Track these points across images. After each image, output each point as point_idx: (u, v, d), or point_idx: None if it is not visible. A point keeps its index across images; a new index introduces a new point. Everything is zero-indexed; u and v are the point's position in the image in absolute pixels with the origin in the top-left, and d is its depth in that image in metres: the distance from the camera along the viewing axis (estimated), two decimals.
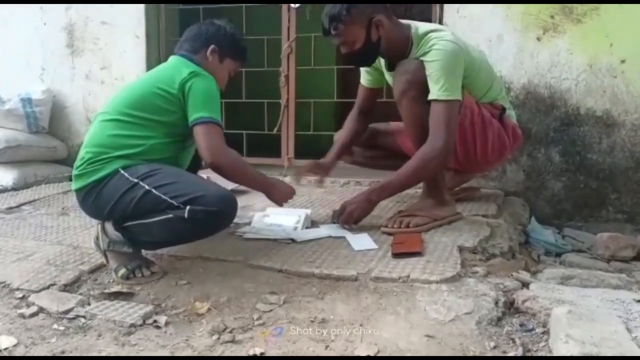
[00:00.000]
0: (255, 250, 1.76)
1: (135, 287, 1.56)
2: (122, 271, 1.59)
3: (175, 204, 1.52)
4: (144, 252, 1.69)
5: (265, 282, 1.55)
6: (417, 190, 2.55)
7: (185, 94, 1.66)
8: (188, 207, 1.51)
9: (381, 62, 2.11)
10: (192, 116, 1.65)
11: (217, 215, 1.53)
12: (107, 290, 1.53)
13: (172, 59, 1.80)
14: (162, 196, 1.54)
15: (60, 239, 1.97)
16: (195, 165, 1.91)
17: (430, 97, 1.83)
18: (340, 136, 2.29)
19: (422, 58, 1.85)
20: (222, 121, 1.73)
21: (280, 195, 1.86)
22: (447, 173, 2.21)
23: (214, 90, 1.70)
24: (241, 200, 2.50)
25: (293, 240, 1.84)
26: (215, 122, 1.66)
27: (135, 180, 1.57)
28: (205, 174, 1.96)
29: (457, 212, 2.05)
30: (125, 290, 1.54)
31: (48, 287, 1.55)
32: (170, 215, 1.53)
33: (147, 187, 1.55)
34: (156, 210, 1.54)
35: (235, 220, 2.09)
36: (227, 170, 1.67)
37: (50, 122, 3.51)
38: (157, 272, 1.61)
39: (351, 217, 1.95)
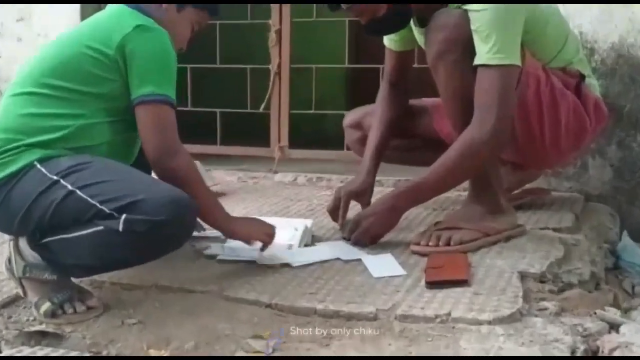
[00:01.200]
0: (233, 277, 1.76)
1: (65, 327, 1.56)
2: (46, 306, 1.59)
3: (107, 210, 1.52)
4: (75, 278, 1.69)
5: (247, 321, 1.54)
6: (461, 192, 2.56)
7: (126, 57, 1.66)
8: (124, 216, 1.50)
9: None
10: (135, 91, 1.65)
11: (165, 228, 1.52)
12: (26, 330, 1.53)
13: (112, 7, 1.80)
14: (90, 200, 1.54)
15: None
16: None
17: (477, 61, 1.83)
18: (372, 132, 2.26)
19: (466, 7, 1.85)
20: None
21: (251, 232, 1.81)
22: (503, 168, 2.21)
23: (168, 53, 1.70)
24: None
25: (287, 264, 1.84)
26: (166, 102, 1.66)
27: (55, 178, 1.57)
28: None
29: (517, 224, 2.05)
30: (51, 330, 1.54)
31: None
32: (100, 228, 1.53)
33: (70, 186, 1.55)
34: (82, 220, 1.55)
35: (205, 234, 2.10)
36: (179, 175, 1.65)
37: None
38: (95, 307, 1.61)
39: (367, 233, 1.96)
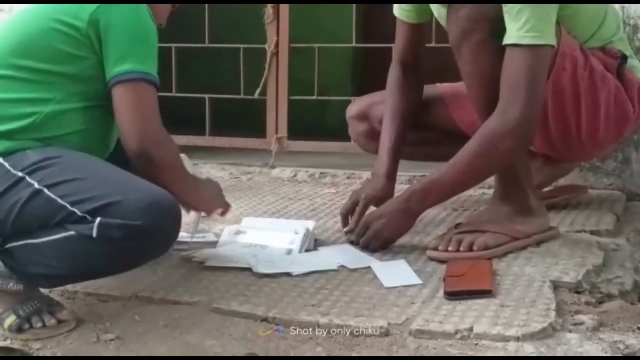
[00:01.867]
0: (223, 287, 1.76)
1: (33, 343, 1.56)
2: (11, 320, 1.59)
3: (79, 213, 1.52)
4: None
5: (240, 337, 1.55)
6: (486, 190, 2.56)
7: (100, 31, 1.65)
8: (98, 220, 1.50)
9: None
10: (111, 70, 1.65)
11: (144, 234, 1.52)
12: None
13: None
14: (59, 200, 1.53)
15: None
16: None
17: (507, 40, 1.83)
18: (386, 126, 2.26)
19: None
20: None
21: (206, 204, 1.88)
22: (534, 162, 2.21)
23: (148, 26, 1.70)
24: None
25: (286, 272, 1.84)
26: (148, 80, 1.66)
27: (20, 174, 1.57)
28: None
29: (550, 226, 2.05)
30: (17, 346, 1.54)
31: None
32: (71, 233, 1.53)
33: (36, 185, 1.56)
34: (50, 224, 1.55)
35: (193, 238, 2.11)
36: (159, 167, 1.67)
37: None
38: (66, 321, 1.62)
39: (379, 237, 1.96)
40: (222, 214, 1.92)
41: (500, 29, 1.83)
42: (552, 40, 1.84)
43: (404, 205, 1.96)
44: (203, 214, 1.93)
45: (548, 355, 1.42)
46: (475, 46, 1.87)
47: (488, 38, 1.85)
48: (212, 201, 1.90)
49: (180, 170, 1.78)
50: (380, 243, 1.96)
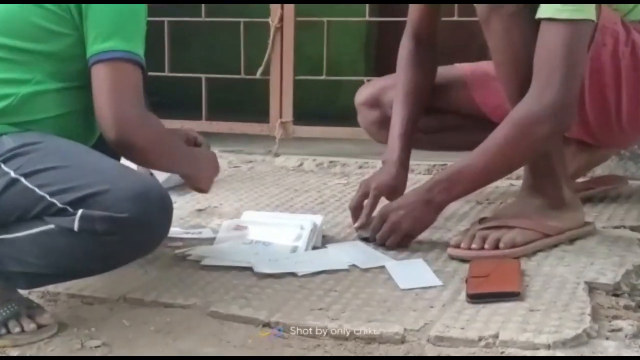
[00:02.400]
0: (222, 289, 1.77)
1: (10, 350, 1.57)
2: None
3: (59, 204, 1.52)
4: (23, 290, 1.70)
5: (239, 344, 1.56)
6: (514, 181, 2.56)
7: (81, 4, 1.66)
8: (80, 212, 1.51)
9: None
10: (91, 47, 1.65)
11: (131, 227, 1.52)
12: None
13: None
14: (38, 190, 1.54)
15: None
16: None
17: (542, 13, 1.82)
18: (398, 108, 2.25)
19: None
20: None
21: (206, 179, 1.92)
22: (567, 149, 2.20)
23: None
24: (198, 199, 2.54)
25: (291, 272, 1.85)
26: (130, 59, 1.66)
27: None
28: None
29: (585, 221, 2.06)
30: None
31: None
32: (51, 226, 1.54)
33: (12, 173, 1.56)
34: (28, 217, 1.56)
35: (188, 234, 2.11)
36: (142, 153, 1.68)
37: None
38: (48, 326, 1.62)
39: (398, 231, 1.96)
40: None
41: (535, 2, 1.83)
42: (593, 15, 1.83)
43: (426, 196, 1.95)
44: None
45: None
46: (506, 18, 1.86)
47: (521, 9, 1.85)
48: (210, 172, 1.94)
49: (169, 155, 1.77)
50: (399, 238, 1.96)
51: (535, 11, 1.83)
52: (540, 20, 1.83)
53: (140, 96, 1.68)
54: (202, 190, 1.95)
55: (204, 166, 1.90)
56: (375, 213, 2.07)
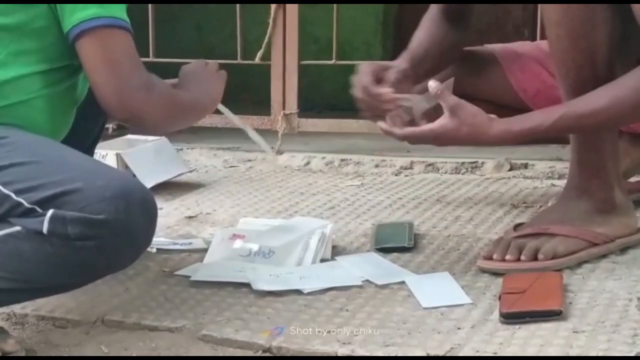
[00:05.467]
0: (215, 308, 1.77)
1: None
2: None
3: (27, 204, 1.53)
4: None
5: None
6: (555, 181, 2.56)
7: None
8: (50, 212, 1.51)
9: None
10: (69, 18, 1.66)
11: (108, 231, 1.53)
12: None
13: None
14: (2, 188, 1.55)
15: None
16: (89, 132, 1.94)
17: None
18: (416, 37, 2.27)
19: None
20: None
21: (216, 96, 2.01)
22: (619, 143, 2.19)
23: None
24: (187, 204, 2.55)
25: (295, 289, 1.85)
26: (117, 25, 1.68)
27: None
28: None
29: (638, 227, 2.06)
30: None
31: None
32: (17, 229, 1.54)
33: None
34: None
35: (176, 245, 2.12)
36: (155, 123, 1.76)
37: None
38: (13, 353, 1.64)
39: (441, 140, 1.89)
40: None
41: None
42: None
43: (504, 121, 1.86)
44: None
45: None
46: None
47: None
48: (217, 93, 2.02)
49: (179, 116, 1.85)
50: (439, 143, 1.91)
51: None
52: None
53: (139, 62, 1.72)
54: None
55: (209, 98, 1.98)
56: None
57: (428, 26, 2.28)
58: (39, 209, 1.52)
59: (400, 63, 2.16)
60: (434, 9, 2.31)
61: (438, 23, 2.29)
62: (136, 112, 1.68)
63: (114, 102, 1.67)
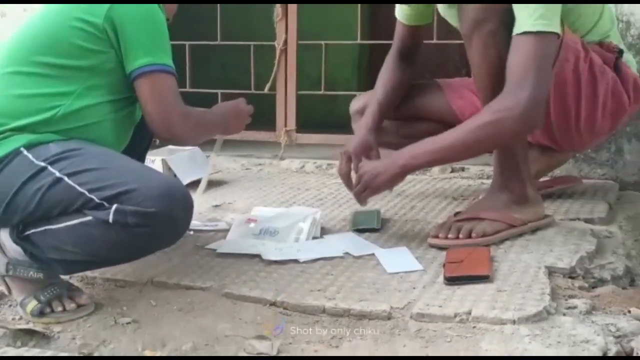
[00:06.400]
0: (234, 273, 1.77)
1: (54, 326, 1.57)
2: (32, 305, 1.60)
3: (97, 200, 1.53)
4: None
5: (250, 320, 1.55)
6: (484, 180, 2.56)
7: (115, 25, 1.67)
8: (114, 206, 1.52)
9: None
10: (131, 64, 1.67)
11: (158, 221, 1.53)
12: (11, 327, 1.54)
13: None
14: (78, 187, 1.55)
15: None
16: (142, 144, 1.93)
17: (518, 29, 1.80)
18: (373, 95, 2.26)
19: None
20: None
21: (235, 128, 2.01)
22: (530, 152, 2.19)
23: (159, 18, 1.71)
24: (214, 196, 2.54)
25: (293, 259, 1.85)
26: (166, 71, 1.69)
27: (42, 164, 1.58)
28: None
29: (545, 214, 2.05)
30: (39, 329, 1.55)
31: None
32: (89, 218, 1.54)
33: (57, 173, 1.57)
34: (69, 210, 1.56)
35: (206, 226, 2.11)
36: (187, 142, 1.83)
37: None
38: (86, 306, 1.63)
39: (370, 189, 1.92)
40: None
41: (509, 21, 1.81)
42: (559, 29, 1.82)
43: (395, 160, 1.90)
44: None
45: (541, 336, 1.42)
46: (486, 35, 1.85)
47: (499, 28, 1.83)
48: (237, 125, 2.01)
49: (205, 133, 1.89)
50: (370, 194, 1.93)
51: (509, 30, 1.81)
52: (515, 36, 1.80)
53: (179, 97, 1.73)
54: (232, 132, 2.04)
55: (231, 124, 1.98)
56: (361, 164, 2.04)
57: (388, 77, 2.27)
58: (106, 204, 1.53)
59: (367, 137, 2.17)
60: (390, 58, 2.30)
61: (395, 70, 2.28)
62: (175, 133, 1.72)
63: (160, 126, 1.71)
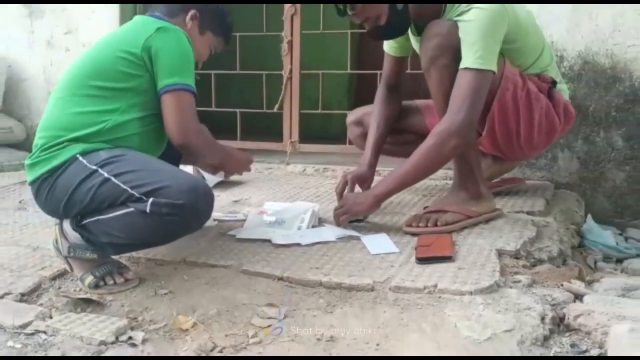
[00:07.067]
0: (250, 254, 1.77)
1: (107, 296, 1.57)
2: (89, 279, 1.61)
3: (137, 195, 1.54)
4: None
5: (262, 292, 1.56)
6: (448, 181, 2.56)
7: (151, 54, 1.67)
8: (151, 200, 1.52)
9: None
10: (161, 83, 1.68)
11: (185, 211, 1.53)
12: (73, 297, 1.55)
13: (138, 17, 1.84)
14: (122, 185, 1.55)
15: (17, 239, 1.99)
16: (176, 153, 1.93)
17: (463, 65, 1.81)
18: (372, 130, 2.24)
19: (457, 18, 1.84)
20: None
21: (234, 167, 1.90)
22: (484, 160, 2.21)
23: (186, 49, 1.71)
24: (234, 194, 2.53)
25: (297, 243, 1.85)
26: (187, 89, 1.68)
27: (94, 168, 1.59)
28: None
29: (496, 208, 2.05)
30: (95, 298, 1.55)
31: (2, 297, 1.56)
32: (131, 209, 1.55)
33: (106, 174, 1.58)
34: (115, 204, 1.57)
35: (227, 217, 2.11)
36: (194, 152, 1.73)
37: (4, 97, 3.53)
38: (132, 280, 1.63)
39: (349, 213, 1.93)
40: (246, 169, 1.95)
41: (459, 57, 1.82)
42: (494, 68, 1.83)
43: (373, 191, 1.93)
44: (221, 176, 1.98)
45: (493, 304, 1.43)
46: (440, 69, 1.86)
47: (450, 63, 1.84)
48: (237, 166, 1.91)
49: (212, 151, 1.78)
50: (348, 218, 1.94)
51: (459, 64, 1.83)
52: (460, 69, 1.82)
53: (195, 114, 1.71)
54: (227, 173, 1.93)
55: (231, 160, 1.87)
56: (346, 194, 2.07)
57: (379, 111, 2.25)
58: (144, 198, 1.53)
59: (366, 172, 2.17)
60: (381, 88, 2.28)
61: (386, 101, 2.26)
62: (187, 140, 1.68)
63: (176, 132, 1.68)
